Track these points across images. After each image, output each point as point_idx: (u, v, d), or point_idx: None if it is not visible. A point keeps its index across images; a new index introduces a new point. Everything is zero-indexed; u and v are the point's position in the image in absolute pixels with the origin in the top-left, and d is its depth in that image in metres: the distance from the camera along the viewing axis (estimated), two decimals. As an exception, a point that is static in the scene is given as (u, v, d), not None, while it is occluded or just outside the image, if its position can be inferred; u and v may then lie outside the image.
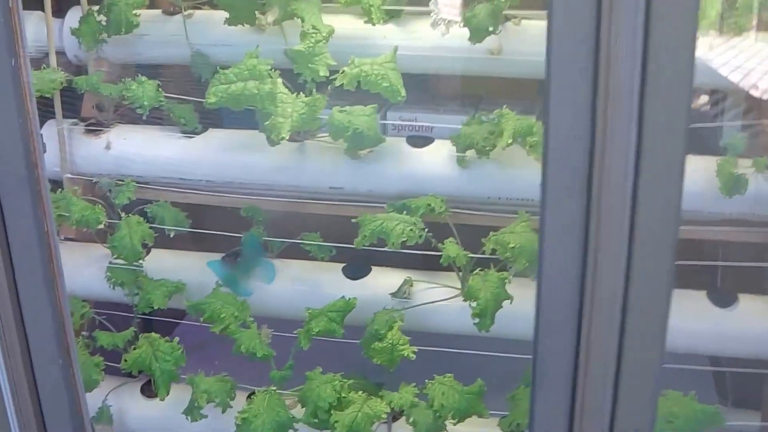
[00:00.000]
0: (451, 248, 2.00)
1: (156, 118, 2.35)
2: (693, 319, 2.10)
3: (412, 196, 2.16)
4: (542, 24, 2.17)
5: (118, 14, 2.20)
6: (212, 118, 2.42)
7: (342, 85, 2.07)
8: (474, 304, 1.92)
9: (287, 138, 2.01)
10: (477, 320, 1.91)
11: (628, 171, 1.25)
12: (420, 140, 2.27)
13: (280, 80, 2.07)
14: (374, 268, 2.28)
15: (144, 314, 2.20)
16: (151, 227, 2.16)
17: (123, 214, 2.21)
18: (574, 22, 1.20)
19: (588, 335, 1.36)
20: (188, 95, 2.37)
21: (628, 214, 1.28)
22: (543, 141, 1.27)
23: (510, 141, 1.98)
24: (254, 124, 2.28)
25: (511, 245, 1.92)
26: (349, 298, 2.05)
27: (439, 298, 2.14)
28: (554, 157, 1.27)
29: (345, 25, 2.21)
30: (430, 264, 2.14)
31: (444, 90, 2.51)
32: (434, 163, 2.21)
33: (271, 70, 2.07)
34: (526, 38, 2.19)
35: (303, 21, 2.12)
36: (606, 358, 1.37)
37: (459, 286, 2.15)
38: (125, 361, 2.07)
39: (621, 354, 1.37)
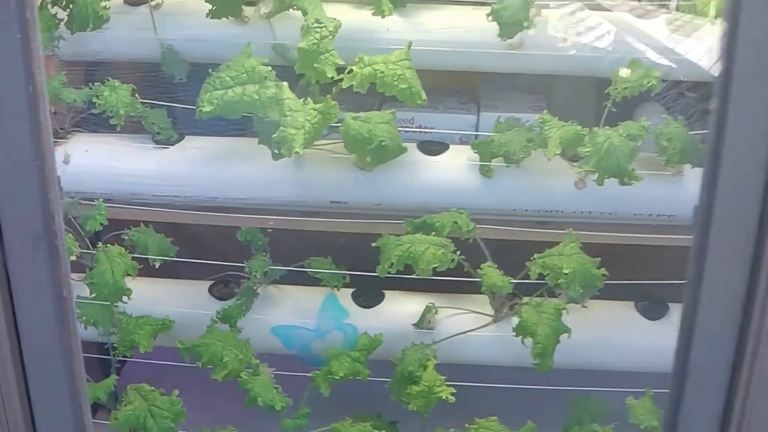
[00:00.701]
0: (493, 274, 1.76)
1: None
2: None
3: (427, 210, 1.91)
4: (563, 12, 2.00)
5: (83, 7, 1.87)
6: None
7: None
8: (529, 340, 1.67)
9: (302, 152, 1.72)
10: (537, 361, 1.66)
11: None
12: (433, 146, 2.01)
13: (285, 84, 1.78)
14: (387, 293, 2.01)
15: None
16: (133, 258, 1.84)
17: (93, 243, 1.87)
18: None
19: (747, 386, 1.14)
20: (156, 98, 2.06)
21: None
22: (710, 154, 1.04)
23: (558, 152, 1.73)
24: (229, 130, 2.01)
25: (566, 271, 1.68)
26: (375, 335, 1.79)
27: (470, 328, 1.89)
28: (727, 174, 1.04)
29: (342, 16, 1.92)
30: (450, 285, 1.89)
31: (441, 86, 2.25)
32: (452, 172, 1.96)
33: (271, 70, 1.78)
34: (548, 30, 1.95)
35: (305, 14, 1.83)
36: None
37: (488, 310, 1.92)
38: (116, 419, 1.75)
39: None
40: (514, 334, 1.70)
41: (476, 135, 2.05)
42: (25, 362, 1.10)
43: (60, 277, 1.06)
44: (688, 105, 2.05)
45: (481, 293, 1.88)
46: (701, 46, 1.94)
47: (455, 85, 2.30)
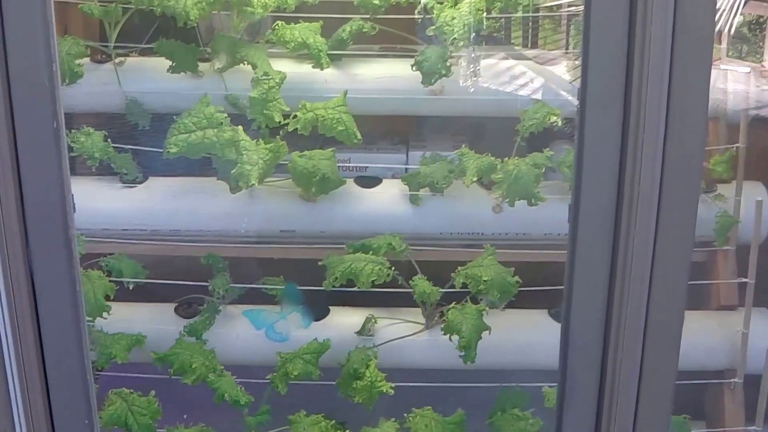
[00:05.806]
0: (423, 284, 2.06)
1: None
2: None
3: (365, 235, 2.21)
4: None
5: (60, 64, 2.14)
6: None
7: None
8: (456, 337, 1.97)
9: (258, 184, 2.02)
10: (462, 353, 1.96)
11: (653, 199, 1.36)
12: (368, 180, 2.32)
13: (240, 128, 2.07)
14: (332, 308, 2.30)
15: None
16: (110, 280, 2.11)
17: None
18: (606, 61, 1.31)
19: (614, 361, 1.45)
20: (122, 144, 2.34)
21: (651, 241, 1.38)
22: (574, 175, 1.36)
23: (474, 179, 2.06)
24: (187, 170, 2.29)
25: (484, 278, 1.99)
26: (323, 339, 2.07)
27: (405, 333, 2.18)
28: (586, 190, 1.36)
29: (286, 69, 2.23)
30: (387, 299, 2.19)
31: (375, 131, 2.56)
32: (386, 202, 2.27)
33: (226, 117, 2.07)
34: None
35: (255, 67, 2.14)
36: (629, 384, 1.46)
37: (420, 320, 2.21)
38: (100, 418, 1.99)
39: (642, 376, 1.47)
40: (443, 332, 2.00)
41: (406, 169, 2.37)
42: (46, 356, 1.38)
43: (74, 274, 1.35)
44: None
45: (415, 306, 2.18)
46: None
47: (387, 129, 2.62)
